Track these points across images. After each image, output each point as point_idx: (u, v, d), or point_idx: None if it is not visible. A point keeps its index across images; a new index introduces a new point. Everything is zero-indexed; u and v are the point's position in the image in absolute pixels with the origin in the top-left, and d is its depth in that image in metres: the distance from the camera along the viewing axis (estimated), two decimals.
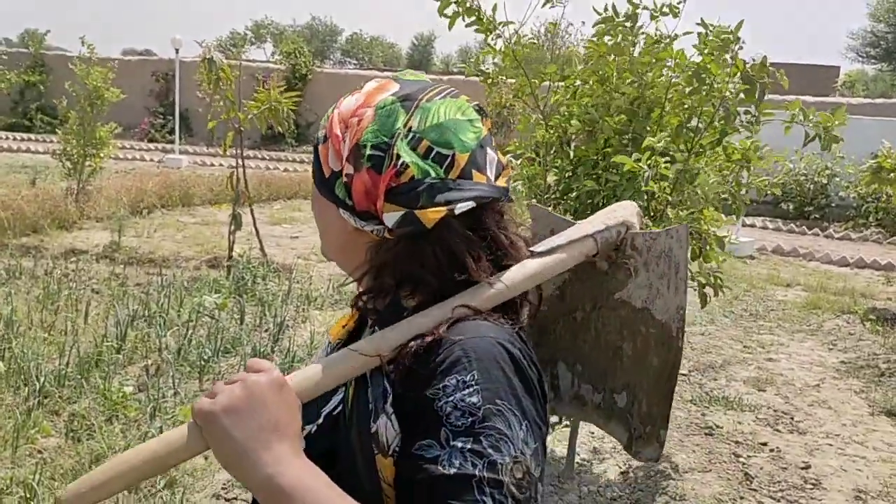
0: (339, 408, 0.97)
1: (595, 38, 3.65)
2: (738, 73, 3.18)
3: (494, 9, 3.73)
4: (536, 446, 0.87)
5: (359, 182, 0.95)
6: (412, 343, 0.91)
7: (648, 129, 3.47)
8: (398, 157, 0.93)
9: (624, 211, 1.12)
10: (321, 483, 0.83)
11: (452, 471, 0.81)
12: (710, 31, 3.15)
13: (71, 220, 8.96)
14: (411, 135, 0.94)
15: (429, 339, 0.90)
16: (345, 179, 0.97)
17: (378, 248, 0.98)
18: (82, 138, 9.51)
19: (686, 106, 3.41)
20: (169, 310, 5.58)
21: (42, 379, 4.16)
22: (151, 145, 19.69)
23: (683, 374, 5.19)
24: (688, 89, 3.32)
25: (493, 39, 3.83)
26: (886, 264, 9.78)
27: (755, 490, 3.82)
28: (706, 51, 3.23)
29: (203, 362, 4.71)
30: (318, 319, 6.02)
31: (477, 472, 0.81)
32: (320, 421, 0.97)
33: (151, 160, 16.40)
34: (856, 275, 9.41)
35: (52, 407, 4.02)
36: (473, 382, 0.85)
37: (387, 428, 0.89)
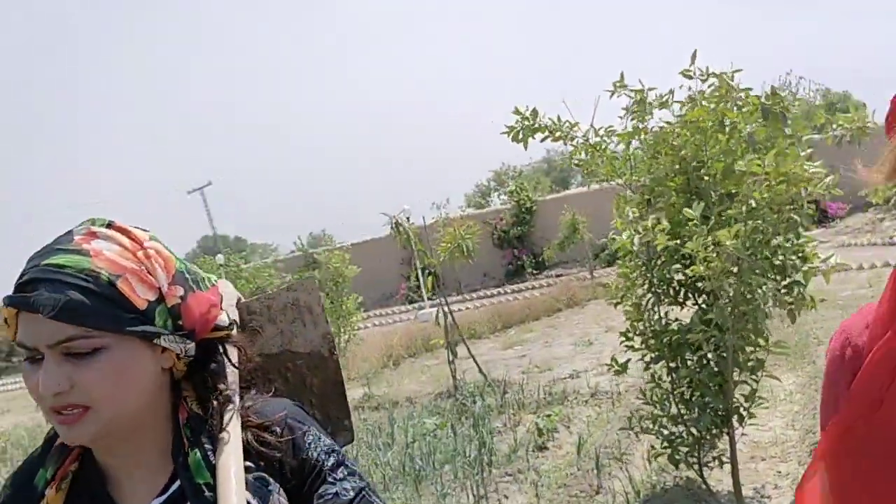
0: None
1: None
2: (757, 110, 3.53)
3: (559, 119, 4.34)
4: None
5: None
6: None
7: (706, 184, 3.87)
8: None
9: (226, 290, 1.27)
10: None
11: (353, 493, 1.13)
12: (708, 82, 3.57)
13: None
14: None
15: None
16: None
17: None
18: (334, 314, 11.22)
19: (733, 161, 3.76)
20: (394, 435, 6.50)
21: None
22: (411, 305, 21.82)
23: None
24: (720, 136, 3.70)
25: (569, 142, 4.42)
26: None
27: None
28: (715, 102, 3.64)
29: (417, 472, 5.49)
30: (529, 419, 6.59)
31: (362, 482, 1.16)
32: None
33: (408, 319, 18.22)
34: None
35: None
36: (318, 433, 1.17)
37: None
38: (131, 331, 1.00)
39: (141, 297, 1.02)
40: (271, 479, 1.09)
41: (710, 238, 3.59)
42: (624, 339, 4.48)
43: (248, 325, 1.28)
